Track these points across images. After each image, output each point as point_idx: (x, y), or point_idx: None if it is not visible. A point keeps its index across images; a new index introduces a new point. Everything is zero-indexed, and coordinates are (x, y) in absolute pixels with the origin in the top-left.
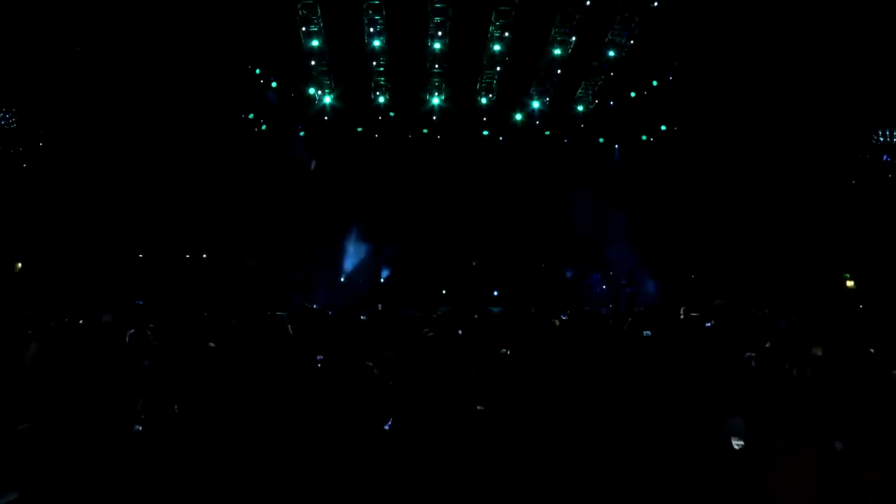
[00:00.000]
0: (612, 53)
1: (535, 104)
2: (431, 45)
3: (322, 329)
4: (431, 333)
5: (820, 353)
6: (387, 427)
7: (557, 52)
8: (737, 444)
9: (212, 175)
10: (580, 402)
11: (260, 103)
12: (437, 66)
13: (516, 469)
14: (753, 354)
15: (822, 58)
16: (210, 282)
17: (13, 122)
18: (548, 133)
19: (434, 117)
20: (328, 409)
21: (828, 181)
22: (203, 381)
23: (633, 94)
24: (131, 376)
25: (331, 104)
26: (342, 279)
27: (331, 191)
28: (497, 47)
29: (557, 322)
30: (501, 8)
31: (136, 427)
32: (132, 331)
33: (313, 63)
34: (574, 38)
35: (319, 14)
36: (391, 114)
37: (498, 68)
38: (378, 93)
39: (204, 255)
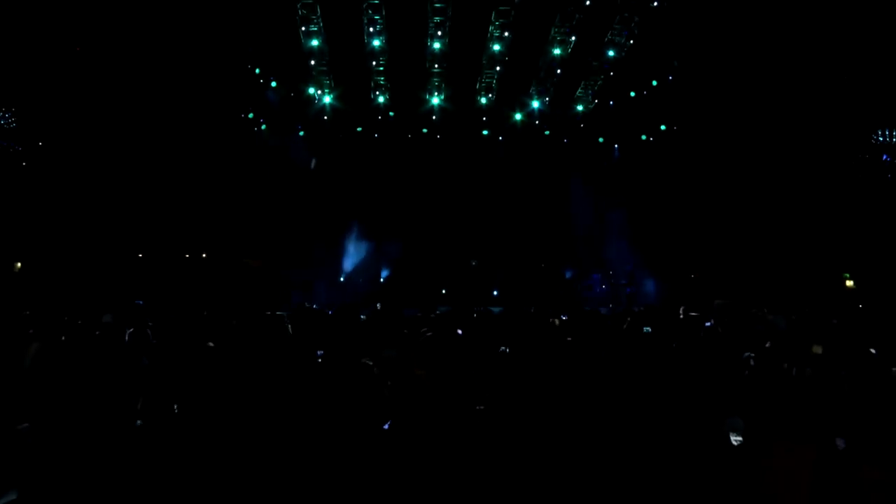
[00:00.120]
0: (611, 53)
1: (535, 104)
2: (431, 45)
3: (322, 329)
4: (431, 333)
5: (820, 352)
6: (386, 427)
7: (557, 51)
8: (736, 442)
9: (212, 175)
10: (580, 402)
11: (260, 103)
12: (436, 65)
13: (516, 469)
14: (753, 354)
15: (822, 58)
16: (210, 281)
17: (13, 122)
18: (547, 133)
19: (434, 117)
20: (328, 409)
21: (827, 181)
22: (203, 381)
23: (632, 94)
24: (131, 376)
25: (330, 104)
26: (342, 279)
27: (331, 191)
28: (497, 47)
29: (557, 322)
30: (501, 8)
31: (137, 422)
32: (132, 330)
33: (313, 63)
34: (574, 38)
35: (319, 14)
36: (391, 113)
37: (498, 68)
38: (378, 92)
39: (204, 255)
